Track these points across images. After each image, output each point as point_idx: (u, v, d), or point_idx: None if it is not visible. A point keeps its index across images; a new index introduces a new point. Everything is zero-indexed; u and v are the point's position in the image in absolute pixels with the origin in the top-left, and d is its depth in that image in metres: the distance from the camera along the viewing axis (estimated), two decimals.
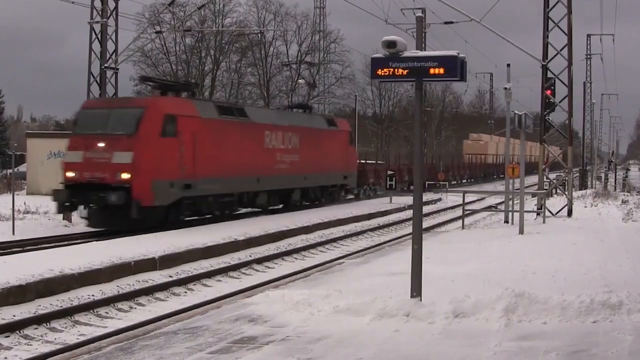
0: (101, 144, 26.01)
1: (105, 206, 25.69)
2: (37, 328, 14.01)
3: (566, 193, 32.10)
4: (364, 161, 55.54)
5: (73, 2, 32.28)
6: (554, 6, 30.78)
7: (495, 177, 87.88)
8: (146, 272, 19.43)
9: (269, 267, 22.19)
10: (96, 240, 22.73)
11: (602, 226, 26.27)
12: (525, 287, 11.76)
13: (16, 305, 15.30)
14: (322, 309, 11.41)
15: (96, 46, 34.11)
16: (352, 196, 46.51)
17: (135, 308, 16.37)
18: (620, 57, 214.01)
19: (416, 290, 11.29)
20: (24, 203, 32.98)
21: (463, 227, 29.26)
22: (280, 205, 35.96)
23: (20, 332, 13.64)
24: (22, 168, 51.56)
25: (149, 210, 25.95)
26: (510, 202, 31.52)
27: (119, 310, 16.00)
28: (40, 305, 15.56)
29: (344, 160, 41.22)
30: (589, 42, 78.03)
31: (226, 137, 29.98)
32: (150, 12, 60.94)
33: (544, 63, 30.74)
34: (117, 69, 34.17)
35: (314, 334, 10.28)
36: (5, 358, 12.39)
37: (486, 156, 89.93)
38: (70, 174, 26.39)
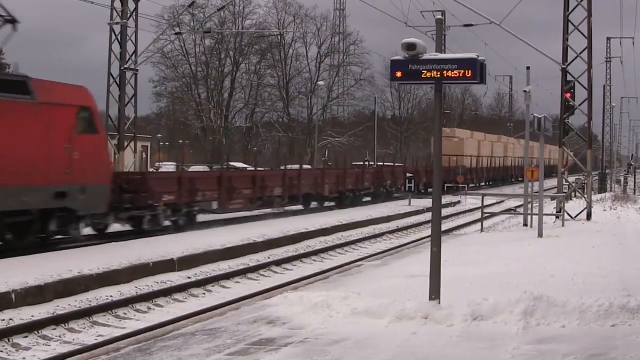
0: None
1: None
2: (55, 328, 14.06)
3: (585, 196, 31.95)
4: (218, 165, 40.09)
5: (92, 2, 32.42)
6: (573, 9, 30.67)
7: (478, 184, 69.77)
8: (164, 273, 19.48)
9: (287, 269, 22.19)
10: (115, 242, 22.72)
11: (621, 229, 26.13)
12: (543, 290, 11.70)
13: (35, 305, 15.37)
14: (340, 311, 11.39)
15: (116, 47, 34.31)
16: (97, 229, 24.84)
17: (153, 309, 16.40)
18: None
19: (435, 292, 11.26)
20: None
21: (482, 229, 29.15)
22: None
23: (38, 333, 13.69)
24: None
25: None
26: (529, 205, 31.38)
27: (137, 311, 16.04)
28: (58, 306, 15.62)
29: (62, 162, 21.65)
30: (608, 45, 78.02)
31: None
32: (169, 14, 61.37)
33: (563, 66, 30.62)
34: (137, 70, 34.32)
35: (332, 335, 10.26)
36: (24, 358, 12.46)
37: (462, 158, 65.34)
38: None
